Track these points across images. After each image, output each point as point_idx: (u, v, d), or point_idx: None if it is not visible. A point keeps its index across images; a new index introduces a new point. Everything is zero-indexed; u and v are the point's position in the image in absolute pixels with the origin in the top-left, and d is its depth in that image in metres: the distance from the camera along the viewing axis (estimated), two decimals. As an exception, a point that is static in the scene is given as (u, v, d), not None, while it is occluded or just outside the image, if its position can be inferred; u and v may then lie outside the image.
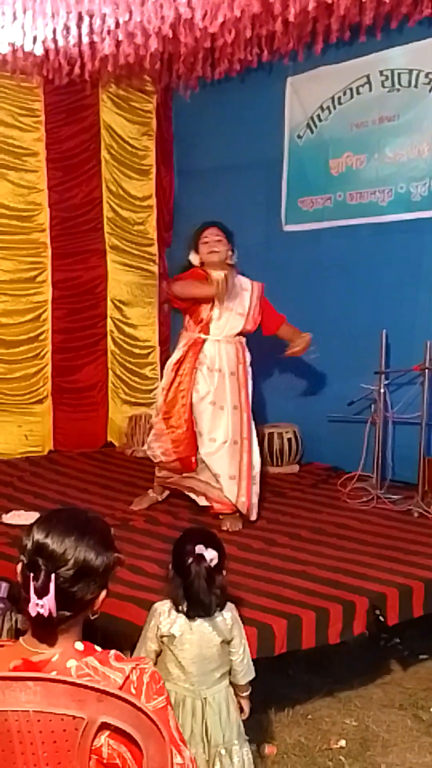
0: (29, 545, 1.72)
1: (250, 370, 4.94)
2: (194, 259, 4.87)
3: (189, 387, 4.81)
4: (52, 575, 1.68)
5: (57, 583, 1.68)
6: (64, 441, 7.07)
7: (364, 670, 4.05)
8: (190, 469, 4.88)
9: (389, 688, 3.92)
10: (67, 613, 1.71)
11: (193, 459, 4.84)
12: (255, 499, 4.84)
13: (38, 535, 1.72)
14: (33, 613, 1.68)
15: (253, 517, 4.83)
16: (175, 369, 4.88)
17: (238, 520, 4.79)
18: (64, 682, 1.59)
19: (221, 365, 4.82)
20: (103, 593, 1.79)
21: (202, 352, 4.82)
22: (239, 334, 4.91)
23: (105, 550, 1.76)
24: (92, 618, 1.80)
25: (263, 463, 5.21)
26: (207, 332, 4.85)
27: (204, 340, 4.84)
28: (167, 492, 5.24)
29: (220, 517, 4.81)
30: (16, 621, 1.79)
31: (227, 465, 4.77)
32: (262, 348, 6.57)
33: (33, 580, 1.68)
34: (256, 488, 4.83)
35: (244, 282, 4.96)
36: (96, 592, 1.76)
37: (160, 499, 5.22)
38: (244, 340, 4.95)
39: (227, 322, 4.86)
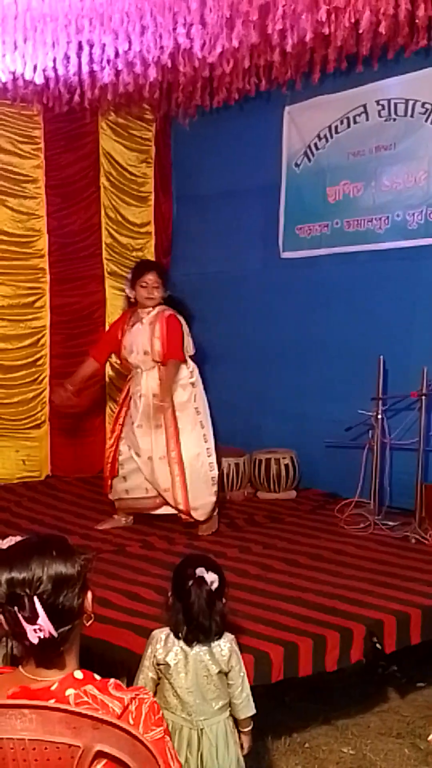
0: (1, 589, 1.74)
1: (179, 391, 5.20)
2: (130, 294, 5.33)
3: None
4: (35, 598, 1.70)
5: (42, 603, 1.70)
6: (61, 466, 7.06)
7: (362, 697, 4.03)
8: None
9: (387, 716, 3.89)
10: (66, 627, 1.74)
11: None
12: (201, 502, 5.18)
13: (3, 575, 1.74)
14: (35, 640, 1.69)
15: (202, 517, 5.20)
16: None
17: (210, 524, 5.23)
18: (60, 709, 1.58)
19: (146, 392, 5.24)
20: (89, 594, 1.84)
21: (134, 382, 5.37)
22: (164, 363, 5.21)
23: (70, 556, 1.80)
24: (87, 624, 1.84)
25: (260, 489, 5.39)
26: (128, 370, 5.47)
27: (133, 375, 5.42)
28: (131, 517, 5.46)
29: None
30: (12, 647, 1.79)
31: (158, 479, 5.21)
32: (265, 372, 6.63)
33: (20, 612, 1.71)
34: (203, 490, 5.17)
35: (152, 317, 5.25)
36: (81, 595, 1.80)
37: (124, 523, 5.41)
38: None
39: (137, 358, 5.30)
